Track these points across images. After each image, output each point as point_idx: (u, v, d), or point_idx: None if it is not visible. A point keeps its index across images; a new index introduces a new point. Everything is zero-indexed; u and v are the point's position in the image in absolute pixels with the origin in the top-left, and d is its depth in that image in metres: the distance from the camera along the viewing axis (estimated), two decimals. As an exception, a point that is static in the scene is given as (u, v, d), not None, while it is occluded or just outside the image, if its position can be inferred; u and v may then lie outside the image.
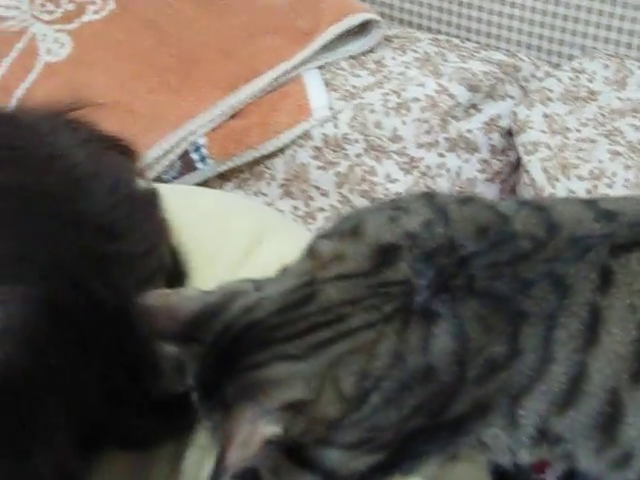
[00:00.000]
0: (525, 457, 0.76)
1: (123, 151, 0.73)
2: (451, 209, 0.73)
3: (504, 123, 1.22)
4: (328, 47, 1.25)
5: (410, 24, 1.45)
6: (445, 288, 0.68)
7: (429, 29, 1.43)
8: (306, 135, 1.22)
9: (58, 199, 0.65)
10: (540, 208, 0.76)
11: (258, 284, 0.69)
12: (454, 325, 0.69)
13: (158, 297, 0.71)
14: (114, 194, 0.68)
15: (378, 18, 1.29)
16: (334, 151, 1.22)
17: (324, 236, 0.70)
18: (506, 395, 0.71)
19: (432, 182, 1.22)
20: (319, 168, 1.23)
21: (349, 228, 0.70)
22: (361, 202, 1.22)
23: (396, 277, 0.68)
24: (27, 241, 0.62)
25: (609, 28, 1.34)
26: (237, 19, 1.28)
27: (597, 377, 0.70)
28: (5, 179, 0.62)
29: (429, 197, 0.73)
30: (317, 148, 1.23)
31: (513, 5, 1.38)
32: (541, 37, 1.40)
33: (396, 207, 0.72)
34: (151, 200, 0.72)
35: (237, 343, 0.68)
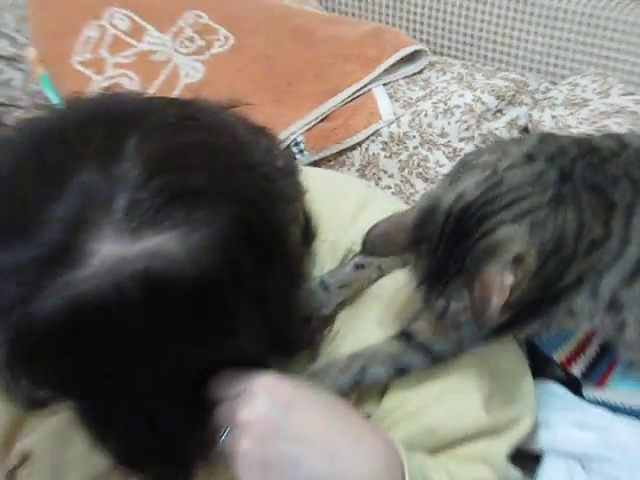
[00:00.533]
0: (589, 324, 0.96)
1: (266, 134, 0.85)
2: (554, 133, 0.97)
3: (522, 122, 1.42)
4: (389, 70, 1.47)
5: (445, 54, 1.66)
6: (569, 178, 0.88)
7: (457, 57, 1.64)
8: (376, 133, 1.42)
9: (232, 152, 0.75)
10: (612, 135, 0.97)
11: (450, 180, 0.87)
12: (576, 209, 0.88)
13: (377, 227, 0.89)
14: (266, 155, 0.80)
15: (425, 48, 1.52)
16: (397, 145, 1.43)
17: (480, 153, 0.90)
18: (595, 270, 0.90)
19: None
20: (386, 157, 1.43)
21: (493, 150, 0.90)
22: (418, 182, 1.42)
23: (540, 168, 0.87)
24: (219, 177, 0.71)
25: (592, 55, 1.50)
26: (324, 49, 1.49)
27: None
28: (196, 137, 0.73)
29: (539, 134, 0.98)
30: (384, 142, 1.43)
31: (519, 39, 1.56)
32: (541, 62, 1.58)
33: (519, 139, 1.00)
34: (290, 164, 0.86)
35: (462, 223, 0.84)
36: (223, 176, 0.73)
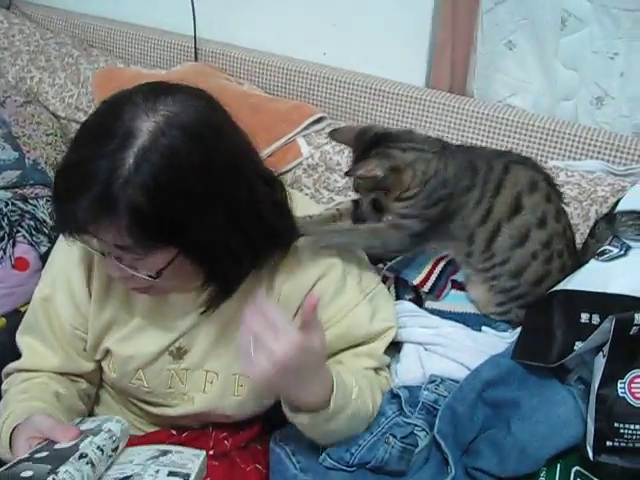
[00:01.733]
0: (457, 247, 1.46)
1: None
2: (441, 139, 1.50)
3: None
4: (307, 127, 1.98)
5: (337, 119, 2.12)
6: (449, 149, 1.42)
7: (342, 120, 2.11)
8: (300, 164, 1.92)
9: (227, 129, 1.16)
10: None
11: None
12: (455, 164, 1.42)
13: (341, 127, 1.63)
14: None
15: (325, 115, 2.02)
16: (312, 170, 1.91)
17: None
18: (465, 207, 1.41)
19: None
20: (305, 177, 1.90)
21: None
22: (324, 192, 1.86)
23: (437, 143, 1.43)
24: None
25: None
26: (269, 116, 1.97)
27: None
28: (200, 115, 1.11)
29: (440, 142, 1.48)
30: (304, 169, 1.92)
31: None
32: (384, 123, 2.10)
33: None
34: None
35: (380, 140, 1.39)
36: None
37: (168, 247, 1.12)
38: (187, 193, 1.07)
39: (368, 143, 1.42)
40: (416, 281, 1.54)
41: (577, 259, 1.52)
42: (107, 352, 1.39)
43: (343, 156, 1.89)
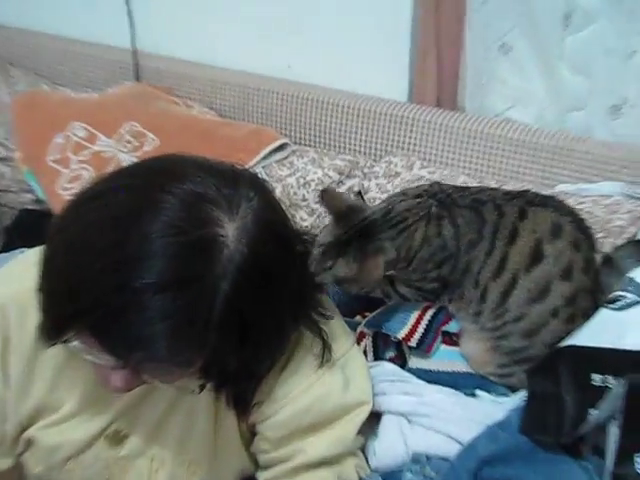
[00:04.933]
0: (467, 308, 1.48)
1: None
2: (439, 182, 1.56)
3: (356, 189, 1.93)
4: (266, 157, 2.06)
5: (303, 144, 2.21)
6: (445, 205, 1.46)
7: (311, 146, 2.20)
8: None
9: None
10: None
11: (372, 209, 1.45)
12: (452, 221, 1.45)
13: (337, 192, 1.62)
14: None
15: (288, 141, 2.12)
16: None
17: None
18: (475, 263, 1.45)
19: (320, 220, 1.93)
20: None
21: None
22: None
23: (425, 204, 1.45)
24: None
25: (399, 142, 2.13)
26: (222, 144, 2.04)
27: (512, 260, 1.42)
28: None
29: (431, 182, 1.55)
30: None
31: (354, 132, 2.14)
32: (367, 147, 2.13)
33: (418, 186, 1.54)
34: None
35: (367, 227, 1.45)
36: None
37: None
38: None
39: (356, 227, 1.48)
40: (401, 335, 1.55)
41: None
42: (29, 442, 1.35)
43: (309, 189, 1.97)
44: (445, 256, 1.46)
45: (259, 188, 1.10)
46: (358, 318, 1.66)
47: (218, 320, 1.00)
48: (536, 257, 1.43)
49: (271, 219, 1.08)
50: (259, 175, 1.50)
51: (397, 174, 2.03)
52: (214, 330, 1.00)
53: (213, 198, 1.02)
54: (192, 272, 0.99)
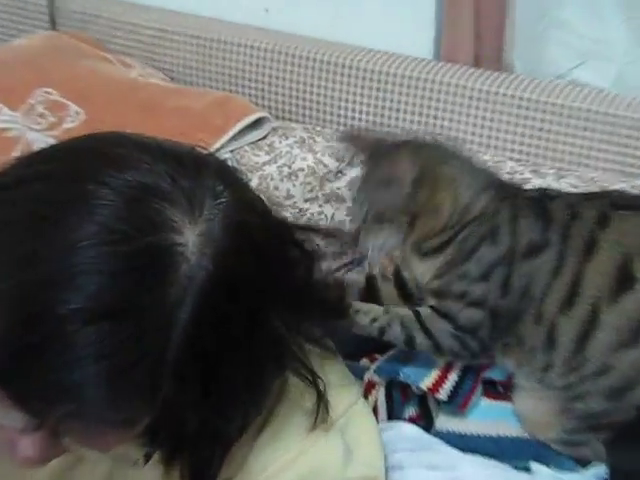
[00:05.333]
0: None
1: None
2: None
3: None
4: (235, 137, 1.87)
5: (287, 118, 2.06)
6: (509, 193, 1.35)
7: (298, 121, 2.05)
8: None
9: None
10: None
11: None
12: (511, 206, 1.33)
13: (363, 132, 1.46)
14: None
15: (267, 115, 1.92)
16: None
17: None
18: (535, 281, 1.28)
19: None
20: None
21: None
22: None
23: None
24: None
25: (415, 116, 2.04)
26: (172, 120, 1.86)
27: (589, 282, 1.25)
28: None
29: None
30: None
31: (353, 102, 1.97)
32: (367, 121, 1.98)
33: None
34: None
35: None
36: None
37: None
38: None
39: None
40: (426, 384, 1.36)
41: None
42: None
43: (297, 183, 1.79)
44: (495, 259, 1.30)
45: (229, 179, 1.00)
46: (365, 362, 1.49)
47: (173, 362, 0.91)
48: (624, 281, 1.25)
49: (246, 221, 0.98)
50: (228, 162, 1.66)
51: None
52: (167, 376, 0.91)
53: (166, 192, 0.92)
54: (137, 296, 0.90)
